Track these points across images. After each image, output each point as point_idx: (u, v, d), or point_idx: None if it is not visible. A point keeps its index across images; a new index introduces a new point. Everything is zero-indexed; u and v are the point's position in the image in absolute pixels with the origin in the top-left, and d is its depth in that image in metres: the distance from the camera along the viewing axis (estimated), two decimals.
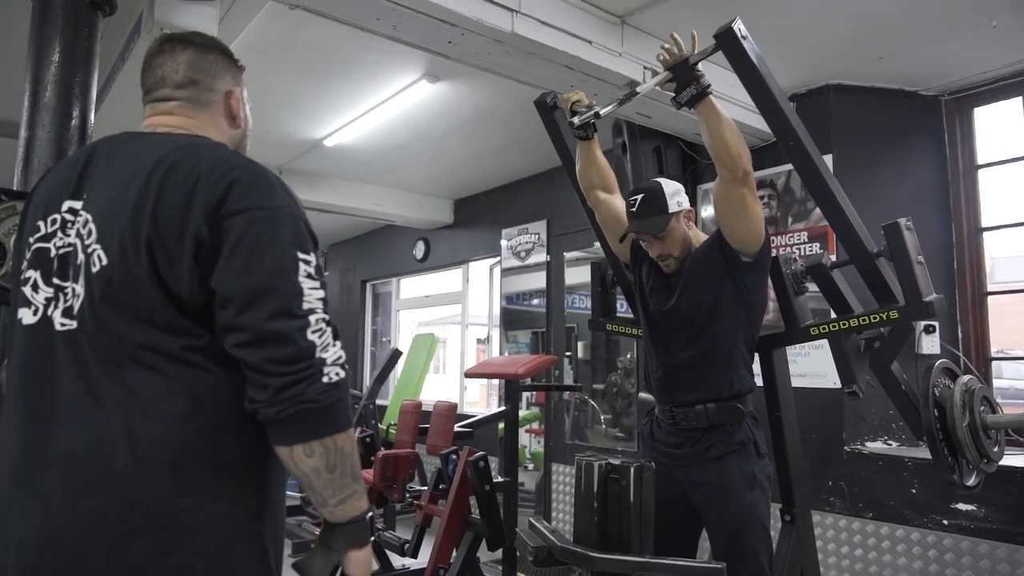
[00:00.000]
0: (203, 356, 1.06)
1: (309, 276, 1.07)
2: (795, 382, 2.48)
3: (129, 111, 3.47)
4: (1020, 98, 3.39)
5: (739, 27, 1.90)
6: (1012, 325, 3.71)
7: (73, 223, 1.12)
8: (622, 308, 3.12)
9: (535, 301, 5.52)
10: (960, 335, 3.49)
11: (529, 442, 5.71)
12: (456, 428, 3.54)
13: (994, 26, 2.93)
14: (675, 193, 2.21)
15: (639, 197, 2.20)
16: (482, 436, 3.96)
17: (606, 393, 4.90)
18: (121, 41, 2.85)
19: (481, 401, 7.37)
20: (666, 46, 1.98)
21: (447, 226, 6.57)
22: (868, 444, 3.38)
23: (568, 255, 5.13)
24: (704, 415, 2.14)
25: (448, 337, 9.15)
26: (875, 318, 2.07)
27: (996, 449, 2.16)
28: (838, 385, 2.32)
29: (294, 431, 1.04)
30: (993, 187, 3.55)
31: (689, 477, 2.16)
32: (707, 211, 4.07)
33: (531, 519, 2.01)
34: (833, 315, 2.27)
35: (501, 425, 4.44)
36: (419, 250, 6.92)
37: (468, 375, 3.94)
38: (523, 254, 5.53)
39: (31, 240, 1.16)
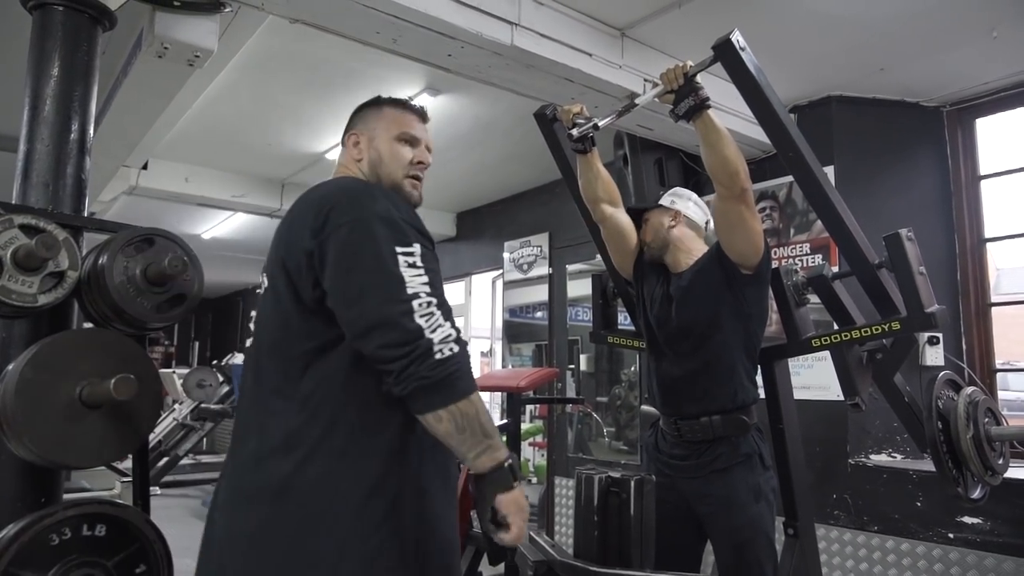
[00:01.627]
0: (316, 358, 1.25)
1: (411, 265, 1.21)
2: (798, 394, 2.46)
3: (131, 125, 3.53)
4: (1022, 109, 3.39)
5: (737, 38, 1.90)
6: (1018, 336, 3.68)
7: (265, 269, 1.40)
8: (624, 321, 3.11)
9: (538, 314, 5.51)
10: (964, 346, 3.47)
11: (533, 455, 5.68)
12: None
13: (995, 37, 2.93)
14: (675, 193, 2.34)
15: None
16: None
17: (610, 406, 4.88)
18: (123, 56, 2.87)
19: None
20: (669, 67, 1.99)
21: (449, 239, 6.58)
22: (873, 457, 3.35)
23: (570, 267, 5.13)
24: (709, 427, 2.12)
25: None
26: (877, 329, 2.06)
27: (1001, 461, 2.14)
28: (841, 397, 2.30)
29: (419, 403, 1.18)
30: (996, 198, 3.54)
31: (694, 489, 2.15)
32: (710, 225, 4.06)
33: (531, 533, 1.99)
34: (835, 327, 2.26)
35: (504, 438, 4.41)
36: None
37: None
38: (525, 267, 5.53)
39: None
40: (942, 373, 2.22)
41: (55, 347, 1.40)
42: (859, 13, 2.84)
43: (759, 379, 2.41)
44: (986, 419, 2.12)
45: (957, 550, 2.91)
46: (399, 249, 1.22)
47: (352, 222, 1.23)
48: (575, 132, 2.20)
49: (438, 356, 1.16)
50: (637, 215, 2.38)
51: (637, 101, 2.09)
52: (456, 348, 1.19)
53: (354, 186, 1.34)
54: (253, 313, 1.46)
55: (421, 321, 1.17)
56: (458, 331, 1.22)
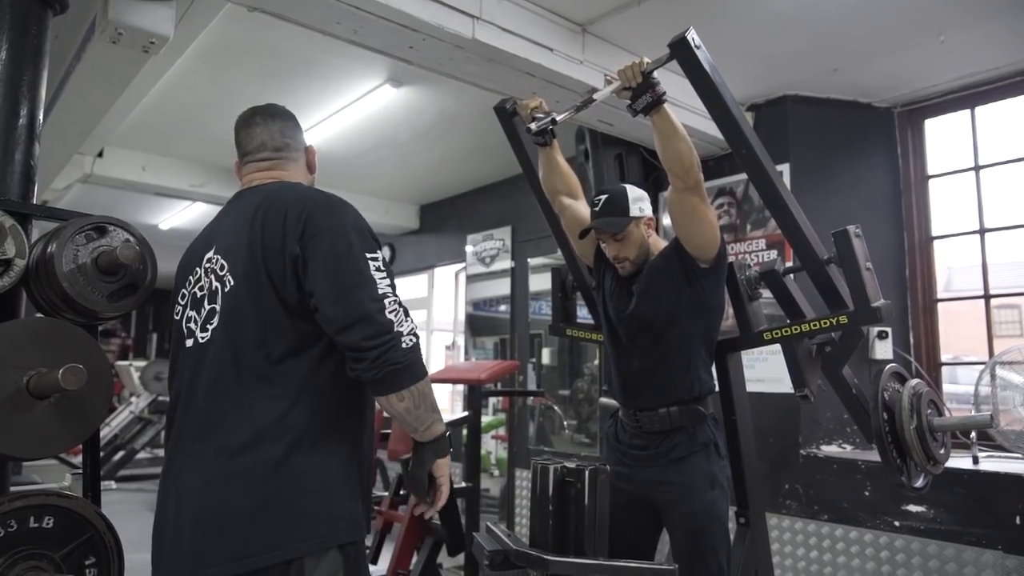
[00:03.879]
0: (299, 353, 1.40)
1: (378, 269, 1.41)
2: (752, 387, 2.52)
3: (84, 112, 3.45)
4: (968, 111, 3.50)
5: (693, 36, 1.93)
6: (968, 332, 3.83)
7: (211, 267, 1.49)
8: (584, 315, 3.14)
9: (501, 307, 5.52)
10: (912, 341, 3.58)
11: (495, 448, 5.70)
12: None
13: (942, 41, 3.03)
14: (639, 199, 2.26)
15: (603, 197, 2.25)
16: None
17: (572, 399, 4.92)
18: (76, 41, 2.80)
19: (447, 407, 7.34)
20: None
21: (412, 231, 6.55)
22: (823, 448, 3.44)
23: (532, 261, 5.15)
24: (667, 418, 2.18)
25: None
26: (825, 323, 2.12)
27: (942, 451, 2.22)
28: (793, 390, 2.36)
29: (389, 385, 1.38)
30: (942, 197, 3.65)
31: (652, 477, 2.20)
32: (667, 218, 4.11)
33: (488, 524, 2.01)
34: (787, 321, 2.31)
35: (465, 431, 4.43)
36: (384, 255, 6.88)
37: (431, 380, 3.92)
38: (488, 260, 5.54)
39: (183, 292, 1.55)
40: (888, 366, 2.29)
41: (1, 336, 1.37)
42: (812, 15, 2.90)
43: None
44: (929, 410, 2.19)
45: (902, 537, 3.01)
46: (368, 255, 1.42)
47: (331, 229, 1.41)
48: (533, 126, 2.22)
49: (404, 345, 1.37)
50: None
51: (595, 96, 2.12)
52: (415, 339, 1.42)
53: (320, 196, 1.50)
54: (180, 306, 1.55)
55: (391, 316, 1.37)
56: (415, 325, 1.44)
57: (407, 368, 1.38)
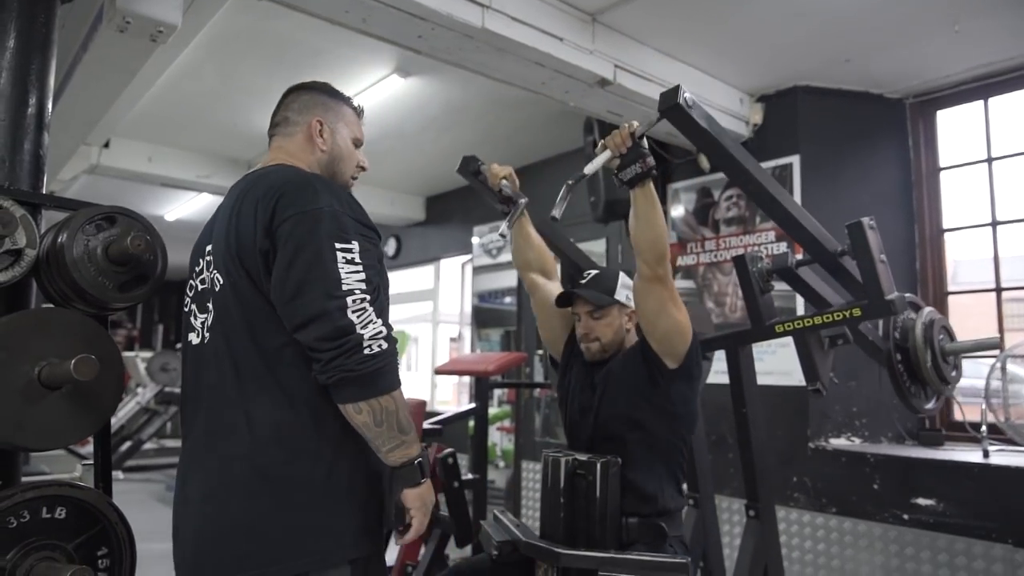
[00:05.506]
0: (292, 351, 1.30)
1: (348, 262, 1.26)
2: (761, 380, 2.51)
3: (91, 102, 3.44)
4: (981, 102, 3.46)
5: (685, 97, 1.77)
6: (975, 326, 3.81)
7: (208, 261, 1.43)
8: None
9: (507, 299, 5.51)
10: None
11: (500, 440, 5.71)
12: (425, 425, 3.52)
13: (956, 31, 2.99)
14: (627, 287, 2.05)
15: (594, 272, 2.09)
16: (452, 433, 3.94)
17: None
18: (83, 30, 2.79)
19: (453, 399, 7.35)
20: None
21: (419, 223, 6.54)
22: (832, 441, 3.43)
23: None
24: (623, 530, 1.89)
25: (419, 335, 9.11)
26: (838, 316, 2.10)
27: (954, 373, 2.33)
28: (803, 383, 2.35)
29: (342, 394, 1.26)
30: (954, 189, 3.62)
31: None
32: (675, 211, 4.10)
33: (495, 512, 2.00)
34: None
35: (472, 422, 4.43)
36: (390, 247, 6.88)
37: (438, 372, 3.92)
38: (494, 252, 5.52)
39: (190, 281, 1.50)
40: (905, 295, 2.32)
41: (12, 326, 1.36)
42: (824, 5, 2.87)
43: (723, 366, 2.45)
44: (940, 336, 2.29)
45: (911, 531, 3.00)
46: (338, 245, 1.27)
47: (295, 216, 1.28)
48: (503, 229, 2.06)
49: (366, 352, 1.23)
50: (568, 300, 2.07)
51: (585, 171, 1.91)
52: (384, 345, 1.26)
53: (296, 178, 1.37)
54: (188, 297, 1.49)
55: (353, 317, 1.23)
56: (389, 328, 1.29)
57: (366, 378, 1.24)
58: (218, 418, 1.35)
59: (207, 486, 1.33)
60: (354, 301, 1.24)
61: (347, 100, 1.64)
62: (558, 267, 2.32)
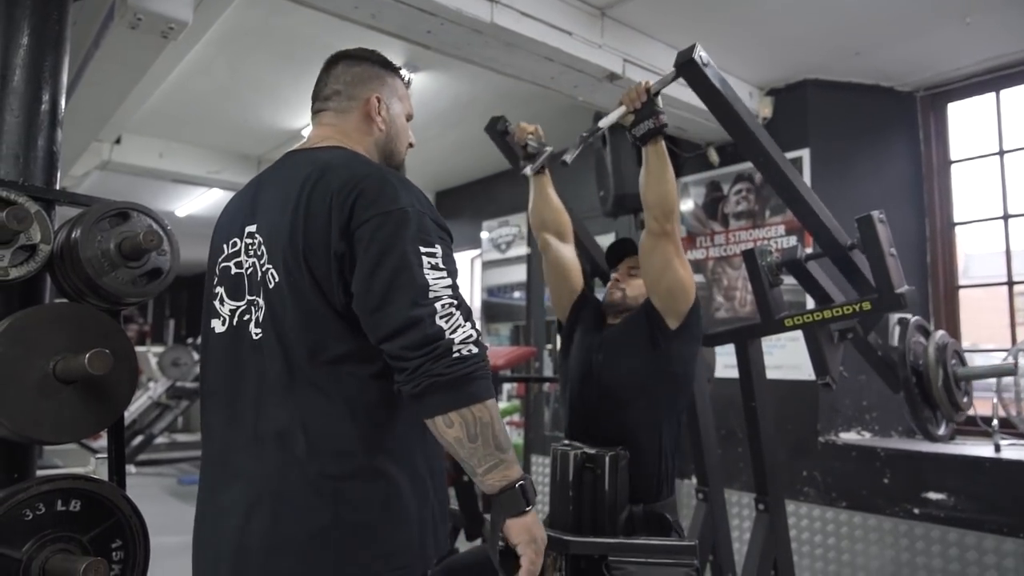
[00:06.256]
0: (355, 361, 1.22)
1: (434, 267, 1.19)
2: (771, 374, 2.51)
3: (102, 98, 3.46)
4: (993, 94, 3.44)
5: (700, 55, 1.83)
6: (987, 320, 3.80)
7: (252, 245, 1.31)
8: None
9: (516, 294, 5.52)
10: (933, 328, 3.53)
11: (510, 434, 5.72)
12: None
13: (968, 23, 2.97)
14: None
15: (627, 240, 2.21)
16: None
17: None
18: (95, 27, 2.80)
19: None
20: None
21: None
22: (842, 435, 3.42)
23: None
24: (630, 520, 1.89)
25: None
26: (848, 309, 2.10)
27: (965, 400, 2.33)
28: (812, 377, 2.35)
29: (431, 404, 1.14)
30: (965, 183, 3.60)
31: None
32: (685, 205, 4.09)
33: None
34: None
35: None
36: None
37: None
38: (504, 246, 5.53)
39: (218, 260, 1.39)
40: (913, 319, 2.31)
41: (28, 321, 1.38)
42: None
43: (733, 360, 2.45)
44: (953, 360, 2.27)
45: (922, 525, 3.00)
46: (423, 250, 1.19)
47: (377, 218, 1.19)
48: (528, 171, 2.13)
49: (455, 355, 1.13)
50: (617, 259, 2.20)
51: (600, 124, 1.99)
52: (475, 349, 1.16)
53: (376, 176, 1.25)
54: (219, 290, 1.38)
55: (442, 323, 1.15)
56: (478, 333, 1.19)
57: (457, 382, 1.13)
58: (267, 425, 1.23)
59: (251, 497, 1.22)
60: (443, 307, 1.16)
61: (399, 71, 1.54)
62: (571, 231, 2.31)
